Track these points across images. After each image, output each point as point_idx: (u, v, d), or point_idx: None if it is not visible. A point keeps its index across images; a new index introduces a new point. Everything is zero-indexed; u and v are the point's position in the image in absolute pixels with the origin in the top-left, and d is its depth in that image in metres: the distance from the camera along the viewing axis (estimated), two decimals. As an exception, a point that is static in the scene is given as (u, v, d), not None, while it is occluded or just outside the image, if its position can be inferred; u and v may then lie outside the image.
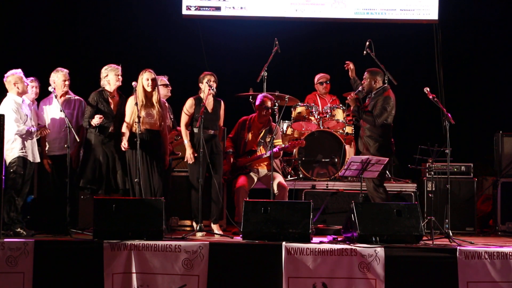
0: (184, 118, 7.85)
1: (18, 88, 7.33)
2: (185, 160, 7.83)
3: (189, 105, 7.83)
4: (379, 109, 7.80)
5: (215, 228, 7.76)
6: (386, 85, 8.08)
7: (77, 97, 7.88)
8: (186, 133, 7.83)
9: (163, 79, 8.19)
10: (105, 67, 7.71)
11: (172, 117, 8.28)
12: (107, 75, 7.65)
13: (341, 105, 9.22)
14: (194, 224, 7.79)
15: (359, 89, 8.21)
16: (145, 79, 7.53)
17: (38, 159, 7.50)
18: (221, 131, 8.09)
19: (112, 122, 7.62)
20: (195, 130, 7.72)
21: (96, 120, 7.42)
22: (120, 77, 7.67)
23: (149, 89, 7.54)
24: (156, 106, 7.55)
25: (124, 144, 7.39)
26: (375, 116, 7.79)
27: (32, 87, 7.73)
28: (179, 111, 7.97)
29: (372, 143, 7.84)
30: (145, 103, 7.52)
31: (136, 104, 7.43)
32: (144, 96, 7.53)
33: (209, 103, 7.81)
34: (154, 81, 7.55)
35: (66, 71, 7.80)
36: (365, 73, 8.07)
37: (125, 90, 7.76)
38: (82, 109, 7.81)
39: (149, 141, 7.50)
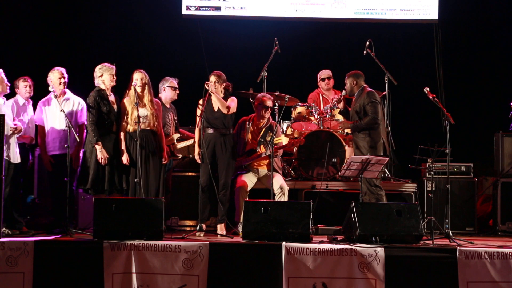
0: (197, 119, 7.86)
1: None
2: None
3: (198, 106, 7.83)
4: (370, 107, 7.84)
5: (219, 228, 7.76)
6: (364, 85, 8.10)
7: (76, 97, 7.86)
8: (196, 133, 7.87)
9: (172, 82, 8.18)
10: (99, 66, 7.62)
11: (176, 118, 8.27)
12: (102, 75, 7.58)
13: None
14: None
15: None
16: (134, 79, 7.54)
17: (17, 160, 7.34)
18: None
19: (115, 121, 7.58)
20: (206, 130, 7.76)
21: (102, 158, 7.42)
22: (114, 77, 7.61)
23: (139, 89, 7.53)
24: (148, 106, 7.55)
25: (124, 160, 7.46)
26: (372, 118, 7.82)
27: (25, 86, 7.70)
28: (180, 112, 7.95)
29: (361, 140, 7.91)
30: (138, 103, 7.51)
31: (137, 104, 7.44)
32: (136, 96, 7.51)
33: (215, 102, 7.80)
34: (143, 80, 7.54)
35: (62, 69, 7.76)
36: (345, 77, 8.13)
37: (125, 90, 7.74)
38: (81, 109, 7.79)
39: (145, 140, 7.50)
